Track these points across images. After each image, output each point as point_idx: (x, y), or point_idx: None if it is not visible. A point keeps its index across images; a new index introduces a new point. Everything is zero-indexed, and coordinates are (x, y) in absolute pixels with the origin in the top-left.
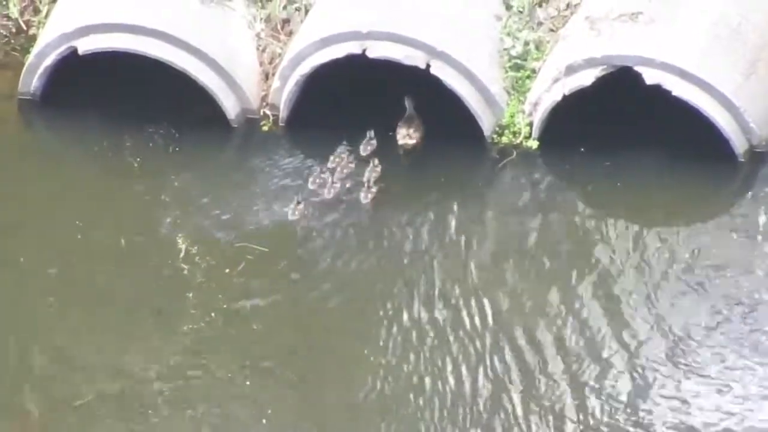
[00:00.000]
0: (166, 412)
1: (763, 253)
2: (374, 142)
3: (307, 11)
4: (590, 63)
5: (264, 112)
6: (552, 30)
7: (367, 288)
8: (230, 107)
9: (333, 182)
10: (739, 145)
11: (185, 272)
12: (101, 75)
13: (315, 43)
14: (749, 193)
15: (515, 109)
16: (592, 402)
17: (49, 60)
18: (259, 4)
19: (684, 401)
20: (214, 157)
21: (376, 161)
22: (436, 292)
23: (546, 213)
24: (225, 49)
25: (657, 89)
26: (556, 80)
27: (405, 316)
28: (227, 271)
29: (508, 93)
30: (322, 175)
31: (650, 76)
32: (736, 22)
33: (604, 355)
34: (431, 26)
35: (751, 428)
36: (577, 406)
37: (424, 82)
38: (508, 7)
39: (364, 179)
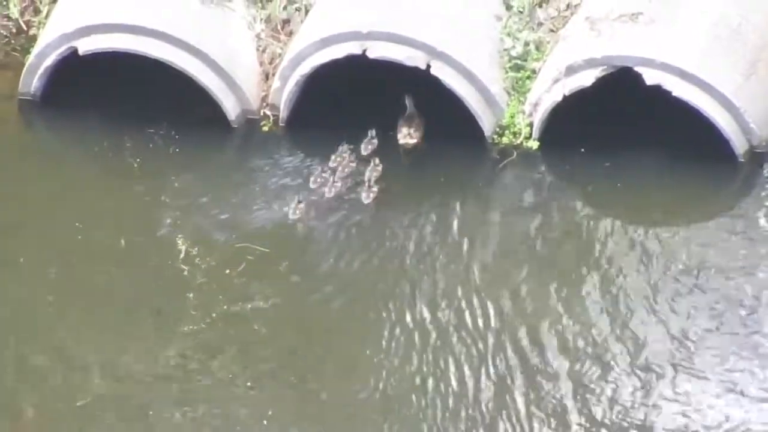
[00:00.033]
0: (166, 412)
1: (763, 254)
2: (375, 141)
3: (307, 11)
4: (590, 63)
5: (264, 113)
6: (552, 30)
7: (369, 288)
8: (230, 108)
9: (334, 181)
10: (739, 145)
11: (185, 273)
12: (101, 75)
13: (315, 43)
14: (749, 193)
15: (515, 109)
16: (593, 403)
17: (50, 60)
18: (259, 4)
19: (684, 403)
20: (214, 157)
21: (377, 160)
22: (438, 292)
23: (546, 213)
24: (225, 50)
25: (657, 90)
26: (556, 81)
27: (406, 316)
28: (228, 271)
29: (509, 93)
30: (324, 175)
31: (650, 77)
32: (736, 22)
33: (605, 355)
34: (431, 27)
35: (750, 431)
36: (578, 407)
37: (424, 82)
38: (509, 8)
39: (365, 179)
